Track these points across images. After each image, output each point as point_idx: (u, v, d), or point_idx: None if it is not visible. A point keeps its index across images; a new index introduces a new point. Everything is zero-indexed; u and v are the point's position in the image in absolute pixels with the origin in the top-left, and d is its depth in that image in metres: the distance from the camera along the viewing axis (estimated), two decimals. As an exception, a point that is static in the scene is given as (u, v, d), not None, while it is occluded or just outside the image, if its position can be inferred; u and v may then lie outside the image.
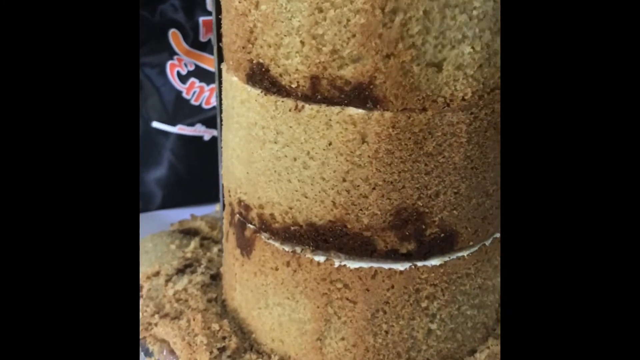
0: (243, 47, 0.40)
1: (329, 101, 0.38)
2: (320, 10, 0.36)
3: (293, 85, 0.38)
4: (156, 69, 0.71)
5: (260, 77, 0.40)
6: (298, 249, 0.44)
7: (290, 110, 0.39)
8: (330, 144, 0.39)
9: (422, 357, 0.46)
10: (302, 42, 0.37)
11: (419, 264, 0.43)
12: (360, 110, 0.38)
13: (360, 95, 0.37)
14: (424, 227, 0.41)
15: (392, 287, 0.43)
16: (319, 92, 0.38)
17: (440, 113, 0.38)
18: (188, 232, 0.67)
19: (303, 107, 0.39)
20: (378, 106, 0.37)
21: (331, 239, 0.42)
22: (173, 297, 0.54)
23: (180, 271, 0.58)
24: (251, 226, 0.46)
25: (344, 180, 0.40)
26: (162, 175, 0.75)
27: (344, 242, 0.42)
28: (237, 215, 0.47)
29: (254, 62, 0.40)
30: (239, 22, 0.40)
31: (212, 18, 0.47)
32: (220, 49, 0.47)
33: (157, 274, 0.57)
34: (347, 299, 0.43)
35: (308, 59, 0.37)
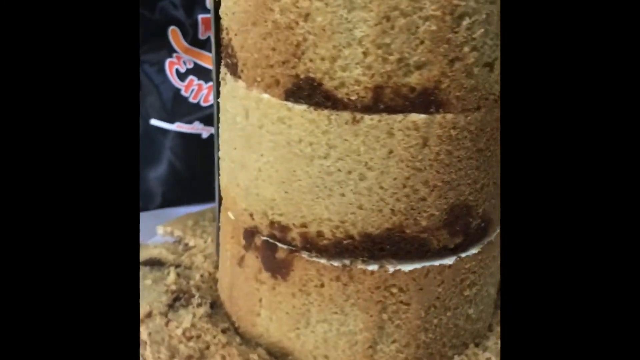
0: (284, 63, 0.38)
1: (391, 109, 0.37)
2: (388, 19, 0.35)
3: (352, 98, 0.37)
4: (155, 67, 0.70)
5: (310, 92, 0.38)
6: (347, 262, 0.43)
7: (346, 123, 0.38)
8: (391, 152, 0.38)
9: (460, 342, 0.48)
10: (365, 53, 0.36)
11: (463, 255, 0.44)
12: (423, 115, 0.38)
13: (425, 100, 0.37)
14: (470, 219, 0.43)
15: (443, 282, 0.44)
16: (381, 101, 0.37)
17: (491, 110, 0.39)
18: (152, 263, 0.62)
19: (362, 118, 0.38)
20: (440, 109, 0.38)
21: (388, 247, 0.42)
22: (183, 336, 0.50)
23: (170, 306, 0.54)
24: (285, 247, 0.44)
25: (404, 187, 0.39)
26: (162, 173, 0.73)
27: (400, 247, 0.42)
28: (266, 237, 0.45)
29: (302, 77, 0.38)
30: (280, 37, 0.37)
31: (211, 18, 0.45)
32: (218, 50, 0.44)
33: (149, 314, 0.52)
34: (402, 302, 0.43)
35: (371, 69, 0.36)
